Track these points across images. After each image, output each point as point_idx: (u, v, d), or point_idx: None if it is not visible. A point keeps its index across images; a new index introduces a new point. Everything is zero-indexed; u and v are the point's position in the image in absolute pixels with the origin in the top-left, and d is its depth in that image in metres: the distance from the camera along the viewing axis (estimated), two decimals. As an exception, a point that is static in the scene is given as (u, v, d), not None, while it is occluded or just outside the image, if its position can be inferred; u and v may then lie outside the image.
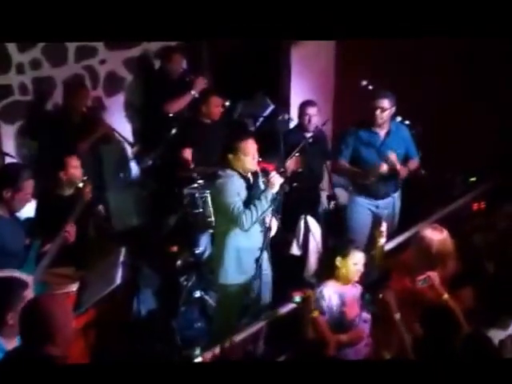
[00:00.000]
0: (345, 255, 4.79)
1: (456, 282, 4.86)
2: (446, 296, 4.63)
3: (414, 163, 6.34)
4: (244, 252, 5.34)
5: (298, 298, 4.62)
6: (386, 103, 6.08)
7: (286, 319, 5.13)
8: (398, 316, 4.61)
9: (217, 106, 6.78)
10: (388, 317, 4.67)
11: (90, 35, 4.26)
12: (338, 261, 4.81)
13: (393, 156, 6.04)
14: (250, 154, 5.27)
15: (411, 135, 6.35)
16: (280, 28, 3.90)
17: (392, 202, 6.32)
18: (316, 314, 4.60)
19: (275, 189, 5.20)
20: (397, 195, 6.38)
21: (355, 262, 4.79)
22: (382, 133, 6.21)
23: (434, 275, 4.70)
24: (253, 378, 3.22)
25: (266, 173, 5.37)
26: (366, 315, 4.91)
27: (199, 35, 4.43)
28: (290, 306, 5.11)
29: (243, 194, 5.28)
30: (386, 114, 6.12)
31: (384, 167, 6.04)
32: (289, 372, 3.30)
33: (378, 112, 6.08)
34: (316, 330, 4.60)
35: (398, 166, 6.08)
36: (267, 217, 5.28)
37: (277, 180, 5.21)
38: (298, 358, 3.90)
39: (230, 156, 5.28)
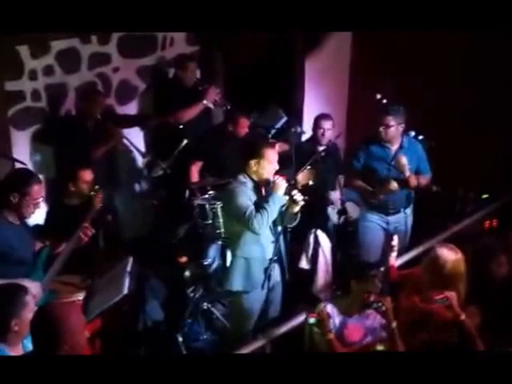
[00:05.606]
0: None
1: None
2: (463, 317, 4.55)
3: (424, 179, 6.20)
4: (254, 261, 5.25)
5: (312, 320, 4.54)
6: (390, 121, 5.94)
7: (292, 335, 5.06)
8: (394, 325, 4.55)
9: (243, 127, 6.79)
10: (386, 325, 4.60)
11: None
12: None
13: (402, 159, 5.92)
14: (273, 162, 5.15)
15: (425, 151, 6.24)
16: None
17: (404, 218, 6.24)
18: (332, 335, 4.53)
19: (280, 191, 5.06)
20: (409, 211, 6.28)
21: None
22: (393, 148, 6.11)
23: (452, 295, 4.61)
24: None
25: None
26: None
27: (212, 27, 4.38)
28: (297, 321, 5.05)
29: (254, 201, 5.17)
30: (392, 131, 5.99)
31: (394, 184, 5.92)
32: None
33: (381, 129, 5.97)
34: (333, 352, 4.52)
35: (408, 173, 5.97)
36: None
37: (281, 183, 5.08)
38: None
39: (252, 162, 5.13)
